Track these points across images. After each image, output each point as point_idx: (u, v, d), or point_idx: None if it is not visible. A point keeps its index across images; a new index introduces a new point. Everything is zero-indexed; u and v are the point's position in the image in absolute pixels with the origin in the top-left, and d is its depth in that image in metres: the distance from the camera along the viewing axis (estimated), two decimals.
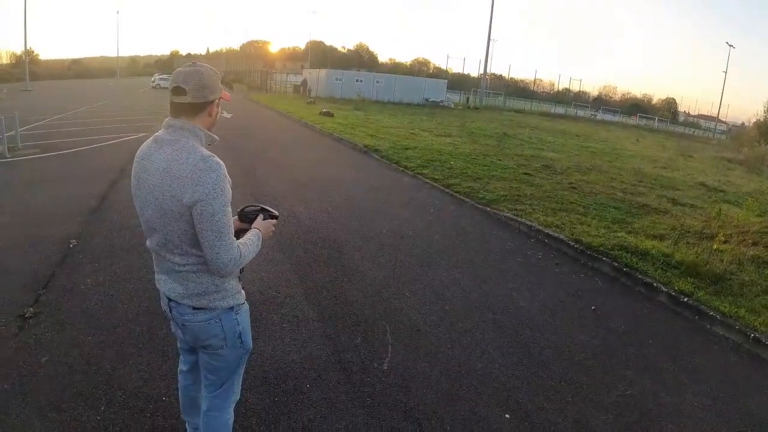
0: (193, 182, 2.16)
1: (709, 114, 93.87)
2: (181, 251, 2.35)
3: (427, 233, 8.83)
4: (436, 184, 12.48)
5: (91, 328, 4.68)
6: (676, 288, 6.95)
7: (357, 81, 53.44)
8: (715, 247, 8.13)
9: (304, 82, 54.38)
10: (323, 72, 54.65)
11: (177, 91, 2.25)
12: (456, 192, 11.75)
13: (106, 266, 6.19)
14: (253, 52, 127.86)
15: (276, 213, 2.70)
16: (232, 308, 2.54)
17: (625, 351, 5.49)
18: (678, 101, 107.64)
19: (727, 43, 71.02)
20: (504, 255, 8.21)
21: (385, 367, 4.49)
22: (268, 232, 2.64)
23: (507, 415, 4.05)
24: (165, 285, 2.51)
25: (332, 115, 29.01)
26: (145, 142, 2.38)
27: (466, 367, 4.68)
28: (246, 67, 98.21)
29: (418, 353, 4.80)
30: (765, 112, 49.89)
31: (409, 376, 4.40)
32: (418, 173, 13.49)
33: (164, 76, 64.06)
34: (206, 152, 2.26)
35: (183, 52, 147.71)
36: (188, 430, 3.21)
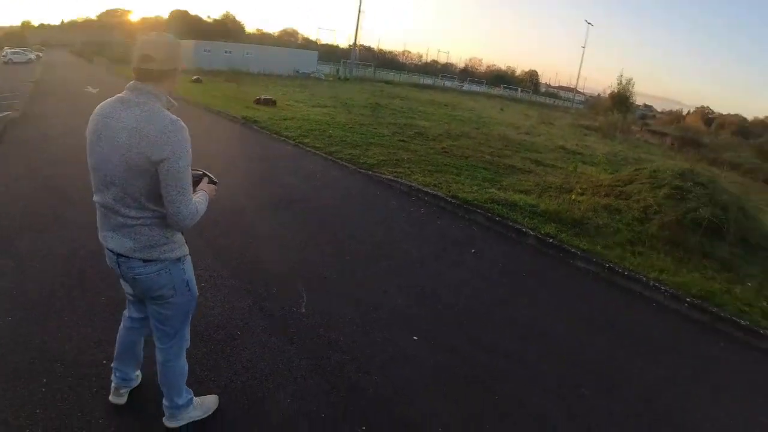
0: (163, 142, 2.44)
1: (568, 85, 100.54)
2: (138, 205, 2.59)
3: (318, 196, 9.55)
4: (318, 152, 13.12)
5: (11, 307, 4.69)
6: (542, 231, 8.40)
7: (226, 53, 52.28)
8: (573, 198, 9.68)
9: None
10: (191, 43, 52.69)
11: (145, 58, 2.52)
12: (338, 159, 12.48)
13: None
14: (112, 21, 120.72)
15: (216, 180, 3.14)
16: (179, 259, 2.85)
17: (503, 282, 6.79)
18: (540, 73, 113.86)
19: (586, 20, 76.16)
20: (390, 212, 9.21)
21: (303, 310, 5.19)
22: (212, 194, 3.00)
23: (415, 337, 4.95)
24: (113, 242, 2.71)
25: (202, 82, 28.68)
26: (106, 102, 2.58)
27: (373, 305, 5.56)
28: (106, 39, 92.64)
29: (329, 297, 5.57)
30: (618, 84, 54.69)
31: (325, 315, 5.16)
32: (299, 142, 14.02)
33: (17, 50, 58.86)
34: (173, 116, 2.56)
35: (35, 23, 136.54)
36: (114, 379, 3.45)
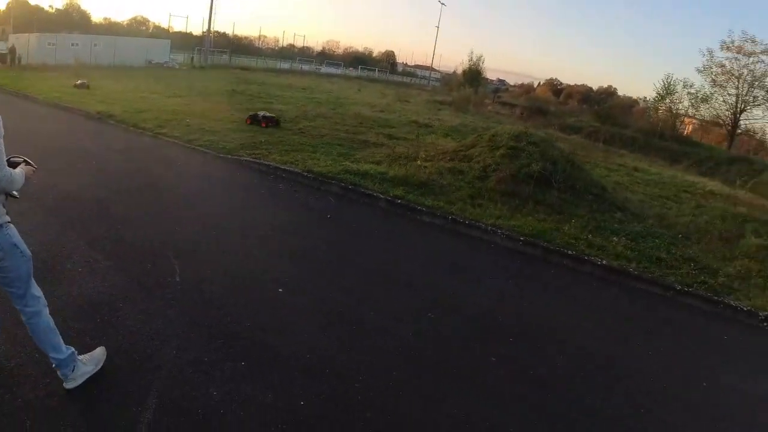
0: None
1: (424, 64, 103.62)
2: None
3: (180, 181, 9.99)
4: (176, 141, 13.33)
5: None
6: (391, 194, 9.48)
7: (72, 45, 49.02)
8: (418, 163, 10.79)
9: (13, 50, 48.30)
10: (33, 37, 49.21)
11: None
12: (198, 146, 12.82)
13: None
14: None
15: (35, 165, 3.58)
16: (1, 226, 3.16)
17: (359, 239, 7.90)
18: (397, 54, 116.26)
19: (439, 1, 78.33)
20: (250, 189, 9.98)
21: (178, 279, 5.75)
22: (29, 172, 3.39)
23: (280, 289, 5.75)
24: None
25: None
26: None
27: (241, 267, 6.27)
28: None
29: (200, 266, 6.16)
30: (469, 61, 57.54)
31: (198, 281, 5.74)
32: (157, 133, 14.10)
33: None
34: None
35: None
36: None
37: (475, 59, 57.66)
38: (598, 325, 6.40)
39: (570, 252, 8.15)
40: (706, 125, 44.94)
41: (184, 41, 69.26)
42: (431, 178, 10.45)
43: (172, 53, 57.09)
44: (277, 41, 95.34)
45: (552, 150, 11.63)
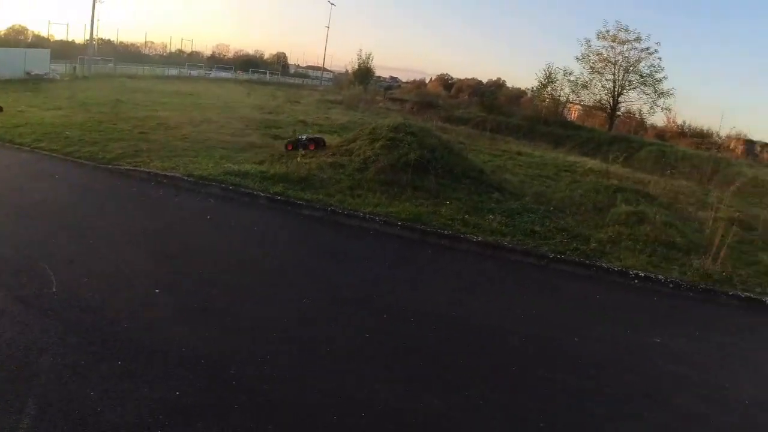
0: None
1: (317, 64, 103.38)
2: None
3: (57, 194, 9.67)
4: (55, 154, 12.87)
5: None
6: (271, 191, 9.62)
7: None
8: (299, 159, 10.93)
9: None
10: None
11: None
12: (76, 158, 12.43)
13: None
14: None
15: None
16: None
17: (237, 235, 8.04)
18: (288, 55, 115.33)
19: (329, 1, 78.19)
20: (129, 197, 9.82)
21: (54, 290, 5.69)
22: None
23: (157, 290, 5.83)
24: None
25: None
26: None
27: (118, 272, 6.29)
28: None
29: (77, 275, 6.12)
30: (359, 60, 58.02)
31: (75, 289, 5.72)
32: (35, 147, 13.57)
33: None
34: None
35: None
36: None
37: (364, 58, 58.55)
38: (474, 295, 6.93)
39: (446, 232, 8.63)
40: (589, 110, 47.46)
41: (65, 50, 65.81)
42: (312, 173, 10.68)
43: (53, 63, 54.38)
44: (165, 47, 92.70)
45: (430, 138, 12.13)
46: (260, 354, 4.73)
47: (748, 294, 9.31)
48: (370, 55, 58.55)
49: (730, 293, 9.17)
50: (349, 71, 65.00)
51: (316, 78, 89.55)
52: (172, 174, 10.69)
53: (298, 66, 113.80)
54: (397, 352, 5.11)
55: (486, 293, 7.16)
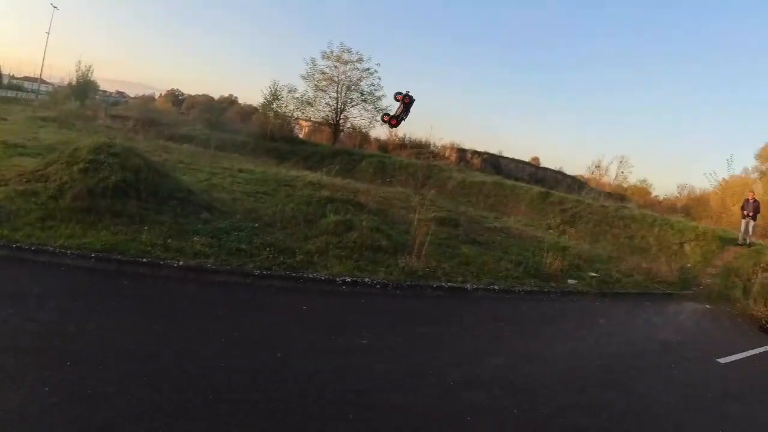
0: None
1: (34, 75, 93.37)
2: None
3: None
4: None
5: None
6: None
7: None
8: None
9: None
10: None
11: None
12: None
13: None
14: None
15: None
16: None
17: None
18: (1, 64, 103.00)
19: (51, 4, 70.29)
20: None
21: None
22: None
23: None
24: None
25: None
26: None
27: None
28: None
29: None
30: (77, 72, 53.47)
31: None
32: None
33: None
34: None
35: None
36: None
37: (83, 69, 54.25)
38: (170, 325, 6.55)
39: (145, 260, 8.14)
40: (318, 126, 49.09)
41: None
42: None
43: None
44: None
45: (135, 159, 11.37)
46: None
47: (451, 284, 10.29)
48: (90, 67, 54.45)
49: (435, 285, 10.07)
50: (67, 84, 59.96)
51: (33, 91, 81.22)
52: None
53: (12, 77, 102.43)
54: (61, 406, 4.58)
55: (187, 318, 6.88)
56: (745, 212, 19.92)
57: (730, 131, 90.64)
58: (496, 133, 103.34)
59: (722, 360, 9.96)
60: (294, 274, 8.88)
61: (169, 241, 8.88)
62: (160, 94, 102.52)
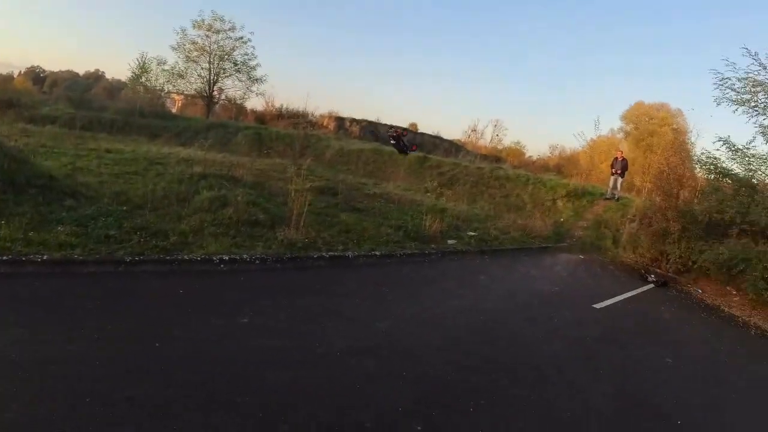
0: None
1: None
2: None
3: None
4: None
5: None
6: None
7: None
8: None
9: None
10: None
11: None
12: None
13: None
14: None
15: None
16: None
17: None
18: None
19: None
20: None
21: None
22: None
23: None
24: None
25: None
26: None
27: None
28: None
29: None
30: None
31: None
32: None
33: None
34: None
35: None
36: None
37: None
38: (36, 327, 5.99)
39: (5, 257, 7.39)
40: (192, 99, 47.26)
41: None
42: None
43: None
44: None
45: None
46: None
47: (332, 253, 10.28)
48: None
49: (315, 256, 10.02)
50: None
51: None
52: None
53: None
54: None
55: (49, 319, 6.27)
56: (614, 170, 21.29)
57: (598, 95, 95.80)
58: (375, 100, 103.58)
59: (597, 305, 10.61)
60: (168, 257, 8.51)
61: (30, 234, 8.14)
62: (19, 72, 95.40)
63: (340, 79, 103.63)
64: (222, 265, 8.77)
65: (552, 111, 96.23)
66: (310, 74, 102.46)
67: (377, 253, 11.17)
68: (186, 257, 8.65)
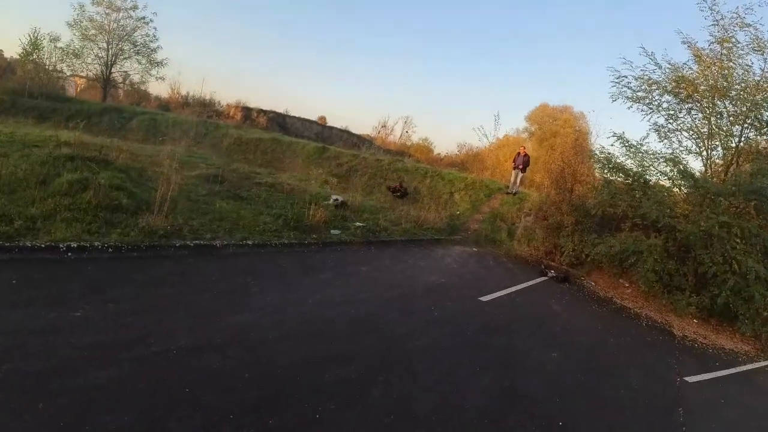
0: None
1: None
2: None
3: None
4: None
5: None
6: None
7: None
8: None
9: None
10: None
11: None
12: None
13: None
14: None
15: None
16: None
17: None
18: None
19: None
20: None
21: None
22: None
23: None
24: None
25: None
26: None
27: None
28: None
29: None
30: None
31: None
32: None
33: None
34: None
35: None
36: None
37: None
38: None
39: None
40: (93, 83, 44.88)
41: None
42: None
43: None
44: None
45: None
46: None
47: (198, 241, 9.81)
48: None
49: (178, 244, 9.51)
50: None
51: None
52: None
53: None
54: None
55: None
56: (516, 164, 21.87)
57: (505, 97, 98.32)
58: (285, 93, 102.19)
59: (484, 298, 10.58)
60: (8, 244, 7.78)
61: None
62: None
63: (254, 74, 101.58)
64: (69, 254, 8.13)
65: (461, 111, 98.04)
66: (227, 67, 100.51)
67: (250, 242, 10.78)
68: (28, 244, 7.98)
